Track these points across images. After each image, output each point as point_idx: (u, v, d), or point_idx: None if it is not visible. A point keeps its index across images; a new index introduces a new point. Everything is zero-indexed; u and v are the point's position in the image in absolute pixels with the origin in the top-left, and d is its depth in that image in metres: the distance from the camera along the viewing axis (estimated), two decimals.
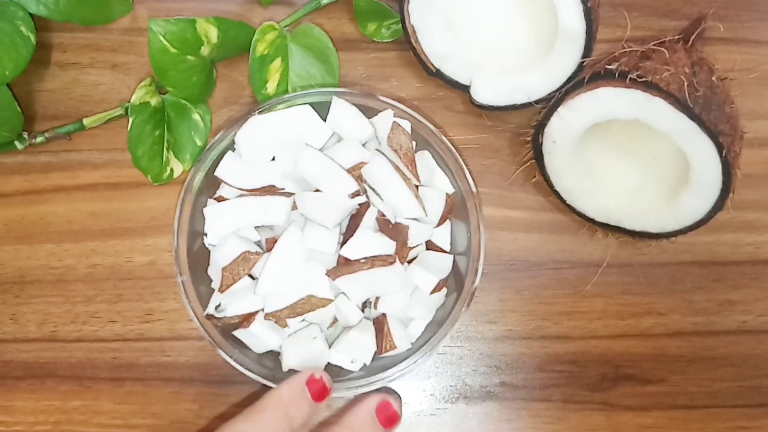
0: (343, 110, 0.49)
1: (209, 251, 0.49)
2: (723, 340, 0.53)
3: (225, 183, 0.48)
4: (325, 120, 0.49)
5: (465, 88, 0.52)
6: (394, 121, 0.48)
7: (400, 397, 0.50)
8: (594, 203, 0.50)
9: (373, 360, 0.48)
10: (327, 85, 0.52)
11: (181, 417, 0.51)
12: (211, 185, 0.49)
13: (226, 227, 0.47)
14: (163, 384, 0.51)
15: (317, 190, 0.46)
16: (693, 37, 0.47)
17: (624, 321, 0.53)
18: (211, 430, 0.49)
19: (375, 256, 0.45)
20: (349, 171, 0.46)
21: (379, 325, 0.47)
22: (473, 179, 0.48)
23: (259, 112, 0.48)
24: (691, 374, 0.52)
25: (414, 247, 0.48)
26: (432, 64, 0.52)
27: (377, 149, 0.49)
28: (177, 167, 0.52)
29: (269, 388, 0.46)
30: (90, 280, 0.52)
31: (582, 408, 0.52)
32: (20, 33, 0.47)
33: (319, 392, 0.44)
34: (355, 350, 0.47)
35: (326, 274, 0.46)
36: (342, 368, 0.48)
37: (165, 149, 0.51)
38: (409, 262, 0.48)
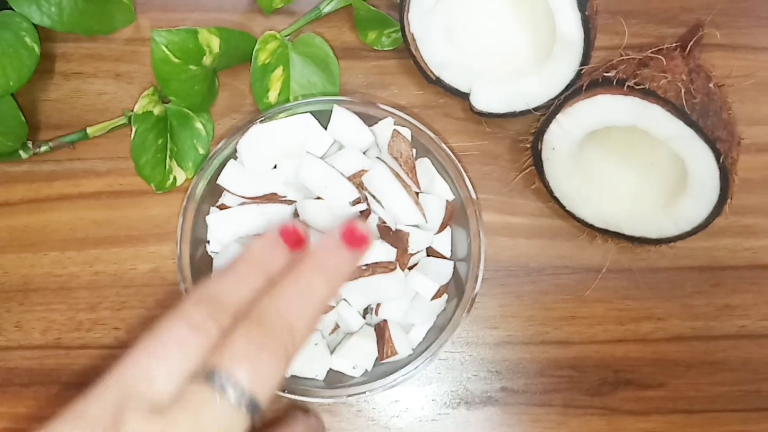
0: (343, 118, 0.49)
1: (212, 259, 0.49)
2: (722, 345, 0.53)
3: (227, 191, 0.49)
4: (326, 128, 0.49)
5: (465, 96, 0.52)
6: (395, 129, 0.49)
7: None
8: (593, 209, 0.50)
9: (374, 366, 0.48)
10: (328, 94, 0.52)
11: None
12: (214, 193, 0.50)
13: (229, 235, 0.48)
14: None
15: (318, 198, 0.47)
16: (690, 44, 0.47)
17: (623, 326, 0.53)
18: None
19: (376, 263, 0.46)
20: (350, 179, 0.47)
21: (381, 331, 0.48)
22: (473, 186, 0.49)
23: (261, 121, 0.49)
24: (690, 379, 0.52)
25: (414, 254, 0.49)
26: (432, 72, 0.52)
27: (378, 157, 0.49)
28: (180, 175, 0.52)
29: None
30: (93, 287, 0.53)
31: (582, 413, 0.52)
32: (24, 44, 0.48)
33: (295, 241, 0.41)
34: (357, 356, 0.48)
35: None
36: (344, 374, 0.48)
37: (168, 158, 0.52)
38: (410, 268, 0.49)
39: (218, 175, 0.49)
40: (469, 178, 0.49)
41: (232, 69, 0.54)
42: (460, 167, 0.49)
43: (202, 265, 0.49)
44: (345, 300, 0.47)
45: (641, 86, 0.42)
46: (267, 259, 0.40)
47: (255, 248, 0.40)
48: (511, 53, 0.53)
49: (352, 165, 0.47)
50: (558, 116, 0.46)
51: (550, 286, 0.53)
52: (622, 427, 0.52)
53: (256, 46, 0.51)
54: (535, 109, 0.50)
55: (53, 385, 0.52)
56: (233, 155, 0.49)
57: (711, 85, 0.45)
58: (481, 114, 0.52)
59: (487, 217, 0.53)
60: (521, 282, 0.53)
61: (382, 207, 0.47)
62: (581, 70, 0.48)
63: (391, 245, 0.46)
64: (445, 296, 0.50)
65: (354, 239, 0.40)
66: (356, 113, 0.49)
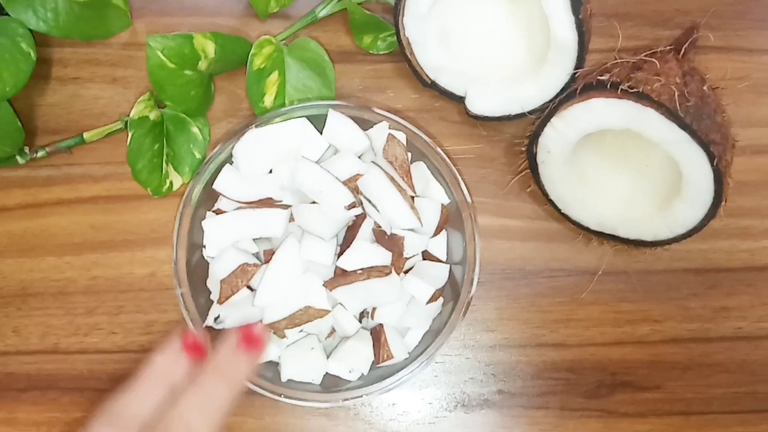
0: (339, 123, 0.49)
1: (208, 263, 0.49)
2: (719, 347, 0.53)
3: (223, 196, 0.49)
4: (321, 132, 0.49)
5: (460, 99, 0.52)
6: (390, 133, 0.49)
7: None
8: (588, 212, 0.50)
9: (370, 369, 0.48)
10: (323, 98, 0.52)
11: None
12: (210, 197, 0.50)
13: (225, 239, 0.48)
14: None
15: (314, 202, 0.47)
16: (685, 46, 0.47)
17: (620, 328, 0.53)
18: None
19: (371, 267, 0.46)
20: (345, 183, 0.47)
21: (377, 334, 0.48)
22: (468, 189, 0.49)
23: (257, 126, 0.49)
24: (687, 381, 0.53)
25: (410, 258, 0.49)
26: (427, 76, 0.52)
27: (373, 161, 0.49)
28: (176, 180, 0.52)
29: (269, 399, 0.46)
30: (91, 292, 0.53)
31: (579, 415, 0.52)
32: (20, 49, 0.48)
33: (195, 351, 0.43)
34: (353, 360, 0.48)
35: (323, 285, 0.46)
36: (340, 378, 0.48)
37: (164, 162, 0.52)
38: (406, 272, 0.49)
39: (214, 179, 0.49)
40: (465, 182, 0.49)
41: (228, 73, 0.54)
42: (455, 171, 0.49)
43: (198, 270, 0.49)
44: (341, 304, 0.47)
45: (635, 90, 0.42)
46: (169, 371, 0.42)
47: (157, 361, 0.42)
48: (505, 57, 0.53)
49: (347, 169, 0.47)
50: (553, 120, 0.46)
51: (547, 288, 0.53)
52: (619, 429, 0.52)
53: (252, 51, 0.51)
54: (530, 112, 0.50)
55: (51, 390, 0.52)
56: (229, 160, 0.50)
57: (705, 87, 0.45)
58: (476, 117, 0.52)
59: (483, 220, 0.53)
60: (517, 285, 0.53)
61: (378, 211, 0.47)
62: (576, 73, 0.48)
63: (387, 249, 0.47)
64: (441, 300, 0.50)
65: (250, 342, 0.43)
66: (351, 117, 0.49)
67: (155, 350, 0.43)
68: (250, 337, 0.43)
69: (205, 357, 0.43)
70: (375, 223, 0.47)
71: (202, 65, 0.49)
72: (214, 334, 0.48)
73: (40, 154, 0.53)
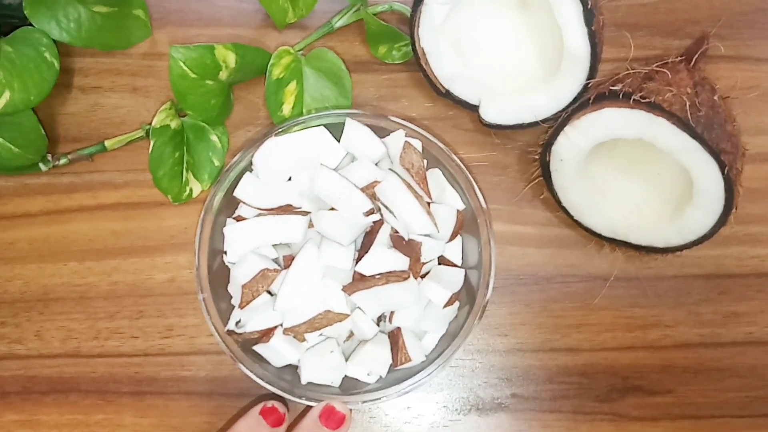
0: (356, 131, 0.50)
1: (229, 269, 0.50)
2: (729, 352, 0.54)
3: (244, 203, 0.50)
4: (339, 141, 0.50)
5: (474, 108, 0.53)
6: (406, 141, 0.50)
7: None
8: (601, 219, 0.51)
9: (388, 372, 0.49)
10: (340, 107, 0.53)
11: (200, 430, 0.52)
12: (230, 205, 0.51)
13: (245, 245, 0.49)
14: (182, 398, 0.53)
15: (333, 209, 0.48)
16: (696, 56, 0.48)
17: (632, 333, 0.54)
18: None
19: (389, 272, 0.47)
20: (363, 190, 0.48)
21: (394, 338, 0.49)
22: (483, 196, 0.50)
23: (276, 134, 0.50)
24: (698, 385, 0.53)
25: (427, 263, 0.50)
26: (441, 85, 0.53)
27: (390, 168, 0.50)
28: (196, 187, 0.53)
29: (289, 401, 0.47)
30: (112, 297, 0.54)
31: (591, 419, 0.53)
32: (44, 59, 0.49)
33: (275, 420, 0.46)
34: (371, 363, 0.48)
35: (342, 289, 0.47)
36: (358, 380, 0.49)
37: (184, 170, 0.53)
38: (423, 276, 0.50)
39: (235, 187, 0.50)
40: (479, 188, 0.50)
41: (245, 83, 0.55)
42: (471, 177, 0.50)
43: (219, 275, 0.50)
44: (359, 308, 0.48)
45: (647, 100, 0.43)
46: None
47: (240, 428, 0.46)
48: (519, 66, 0.54)
49: (364, 176, 0.48)
50: (566, 128, 0.47)
51: (559, 294, 0.54)
52: None
53: (271, 61, 0.52)
54: (543, 121, 0.51)
55: (72, 393, 0.53)
56: (249, 168, 0.50)
57: (716, 97, 0.46)
58: (490, 126, 0.53)
59: (497, 227, 0.54)
60: (530, 290, 0.54)
61: (395, 217, 0.48)
62: (588, 83, 0.48)
63: (404, 254, 0.47)
64: (456, 304, 0.50)
65: (331, 419, 0.46)
66: (368, 126, 0.50)
67: (238, 420, 0.47)
68: (331, 414, 0.46)
69: (283, 422, 0.47)
70: (392, 228, 0.48)
71: (223, 75, 0.50)
72: (293, 405, 0.50)
73: (62, 161, 0.54)
